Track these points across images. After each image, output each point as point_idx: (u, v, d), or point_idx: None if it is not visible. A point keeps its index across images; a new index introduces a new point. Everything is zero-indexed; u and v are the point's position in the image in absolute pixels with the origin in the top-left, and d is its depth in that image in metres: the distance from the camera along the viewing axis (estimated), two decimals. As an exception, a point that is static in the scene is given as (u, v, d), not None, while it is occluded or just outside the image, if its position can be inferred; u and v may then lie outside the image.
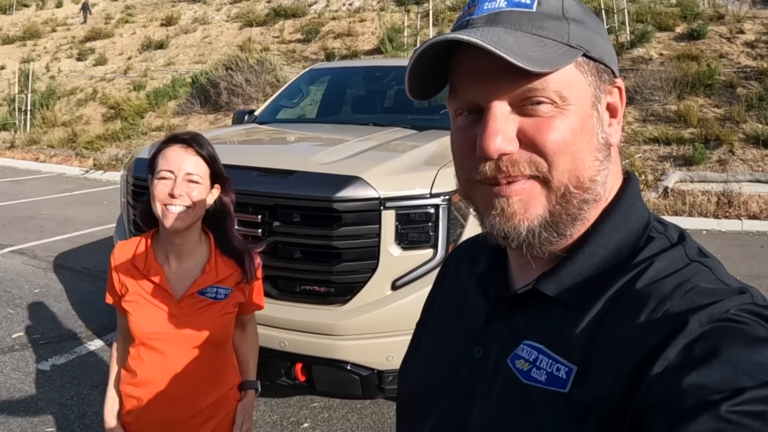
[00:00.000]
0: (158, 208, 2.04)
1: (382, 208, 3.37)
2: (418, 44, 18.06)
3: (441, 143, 4.22)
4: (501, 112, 0.84)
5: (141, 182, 4.18)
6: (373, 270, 3.44)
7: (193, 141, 2.09)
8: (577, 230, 0.89)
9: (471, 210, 0.96)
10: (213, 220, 2.27)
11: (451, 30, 0.91)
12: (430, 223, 3.45)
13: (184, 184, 2.04)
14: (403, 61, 8.10)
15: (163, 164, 2.05)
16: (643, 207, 0.92)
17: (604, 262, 0.87)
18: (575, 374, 0.80)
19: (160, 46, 27.14)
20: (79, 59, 28.77)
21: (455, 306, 1.09)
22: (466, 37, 0.79)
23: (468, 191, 0.93)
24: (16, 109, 22.21)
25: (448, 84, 0.93)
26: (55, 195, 12.93)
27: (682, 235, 0.89)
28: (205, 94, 19.09)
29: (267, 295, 3.56)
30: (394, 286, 3.45)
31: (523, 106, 0.84)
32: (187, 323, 2.14)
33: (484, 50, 0.79)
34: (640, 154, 11.87)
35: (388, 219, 3.39)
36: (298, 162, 3.71)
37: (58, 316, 6.02)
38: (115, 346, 2.41)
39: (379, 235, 3.40)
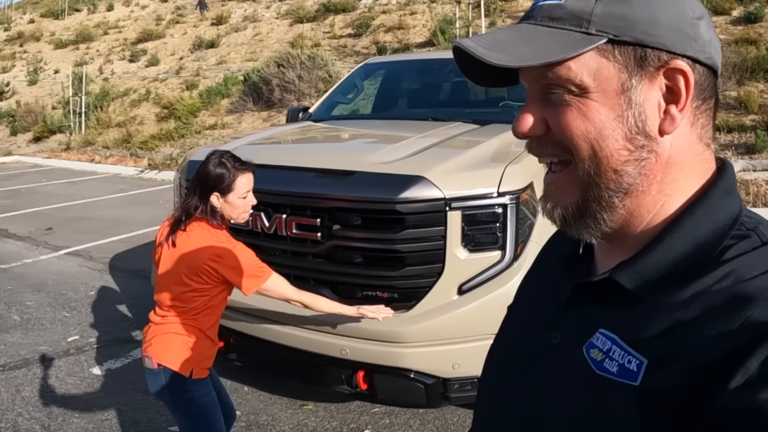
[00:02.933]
0: (238, 216, 2.92)
1: (447, 208, 3.22)
2: (470, 36, 17.90)
3: (505, 138, 4.04)
4: (530, 98, 0.90)
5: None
6: (439, 274, 3.29)
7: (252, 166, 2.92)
8: (624, 218, 0.88)
9: None
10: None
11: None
12: (497, 224, 3.29)
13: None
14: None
15: (247, 187, 2.89)
16: (734, 201, 0.87)
17: (685, 257, 0.83)
18: (646, 368, 0.78)
19: (212, 45, 27.46)
20: (131, 61, 29.32)
21: (541, 289, 1.10)
22: (459, 43, 0.88)
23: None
24: (71, 111, 22.64)
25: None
26: (110, 195, 13.10)
27: None
28: (258, 92, 19.19)
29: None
30: (461, 291, 3.30)
31: (546, 94, 0.87)
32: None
33: None
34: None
35: (454, 220, 3.24)
36: (358, 162, 3.56)
37: (113, 319, 6.02)
38: None
39: (444, 237, 3.25)
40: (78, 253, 8.48)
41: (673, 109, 0.84)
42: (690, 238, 0.83)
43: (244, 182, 2.85)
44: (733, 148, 11.18)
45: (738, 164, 10.61)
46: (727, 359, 0.70)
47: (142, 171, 16.34)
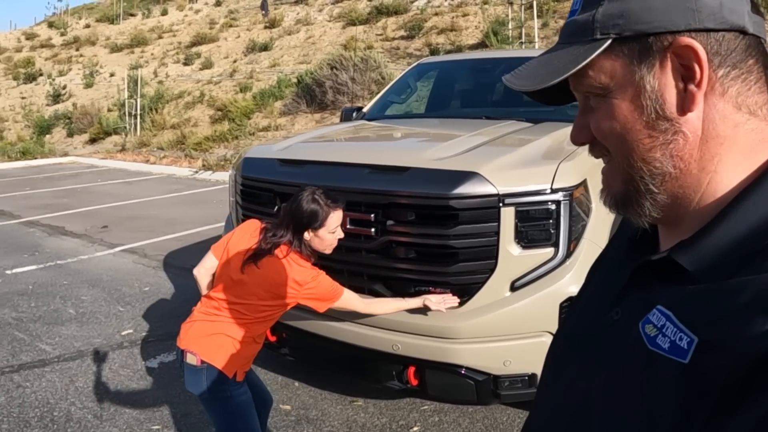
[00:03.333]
0: (326, 248, 3.09)
1: (501, 204, 3.21)
2: (523, 37, 17.75)
3: (558, 136, 4.01)
4: (580, 110, 0.97)
5: (249, 182, 4.16)
6: (492, 270, 3.29)
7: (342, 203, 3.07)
8: (663, 200, 0.90)
9: None
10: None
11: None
12: (551, 221, 3.27)
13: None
14: (512, 52, 7.87)
15: (337, 222, 3.04)
16: None
17: (743, 240, 0.81)
18: (695, 346, 0.77)
19: (265, 48, 27.76)
20: (185, 64, 29.81)
21: (608, 270, 1.11)
22: (504, 80, 1.00)
23: None
24: (126, 113, 23.19)
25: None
26: (165, 195, 13.36)
27: None
28: (311, 94, 19.33)
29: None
30: (513, 287, 3.29)
31: (588, 103, 0.94)
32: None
33: None
34: None
35: (508, 216, 3.23)
36: (412, 158, 3.58)
37: (166, 314, 6.13)
38: None
39: (498, 233, 3.25)
40: (133, 250, 8.68)
41: (691, 86, 0.84)
42: (749, 219, 0.82)
43: (335, 218, 3.00)
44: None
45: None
46: None
47: (196, 172, 16.60)
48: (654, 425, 0.79)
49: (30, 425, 4.14)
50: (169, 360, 5.08)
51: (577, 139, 0.98)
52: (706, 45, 0.82)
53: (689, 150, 0.85)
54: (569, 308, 1.26)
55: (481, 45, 19.62)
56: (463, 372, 3.33)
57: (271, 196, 3.96)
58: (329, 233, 3.01)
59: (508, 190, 3.22)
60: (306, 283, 3.00)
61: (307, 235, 2.99)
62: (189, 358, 2.91)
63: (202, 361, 2.87)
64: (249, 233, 3.10)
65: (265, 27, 30.52)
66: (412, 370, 3.47)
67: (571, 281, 3.25)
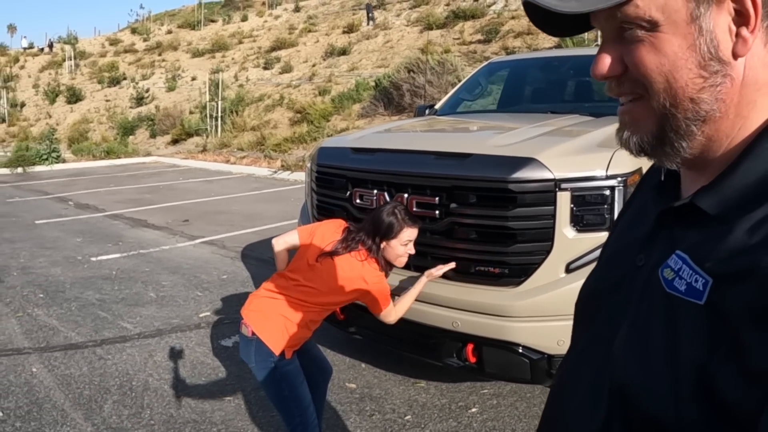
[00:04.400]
0: (397, 259, 3.35)
1: (557, 189, 3.36)
2: (599, 39, 17.60)
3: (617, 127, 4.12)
4: (605, 40, 0.92)
5: (323, 168, 4.39)
6: (548, 252, 3.44)
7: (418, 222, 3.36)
8: (697, 143, 0.89)
9: None
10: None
11: None
12: (605, 206, 3.40)
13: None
14: (578, 50, 7.88)
15: (410, 237, 3.31)
16: None
17: (761, 180, 0.84)
18: (711, 287, 0.80)
19: (343, 52, 28.09)
20: (265, 68, 30.38)
21: (633, 216, 1.13)
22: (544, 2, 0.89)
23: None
24: (207, 115, 23.89)
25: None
26: (244, 193, 13.77)
27: None
28: (388, 97, 19.56)
29: (442, 275, 3.65)
30: (569, 269, 3.43)
31: (620, 34, 0.89)
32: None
33: None
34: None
35: (563, 200, 3.38)
36: (474, 145, 3.78)
37: (243, 299, 6.27)
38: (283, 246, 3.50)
39: (554, 216, 3.40)
40: (212, 242, 9.06)
41: (744, 30, 0.83)
42: (766, 160, 0.84)
43: (408, 234, 3.29)
44: None
45: None
46: None
47: (275, 172, 16.96)
48: (677, 365, 0.81)
49: (110, 392, 4.46)
50: (242, 340, 5.34)
51: (604, 71, 0.91)
52: None
53: (732, 94, 0.86)
54: (599, 256, 1.26)
55: (558, 47, 19.52)
56: (519, 350, 3.47)
57: (344, 182, 4.19)
58: (401, 245, 3.29)
59: (565, 175, 3.37)
60: (373, 282, 3.27)
61: (382, 243, 3.28)
62: (243, 328, 3.19)
63: (253, 333, 3.11)
64: (334, 229, 3.38)
65: (344, 32, 30.89)
66: (470, 347, 3.63)
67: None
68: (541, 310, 3.44)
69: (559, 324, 3.41)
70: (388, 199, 3.83)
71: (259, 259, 7.97)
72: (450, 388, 4.47)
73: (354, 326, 4.28)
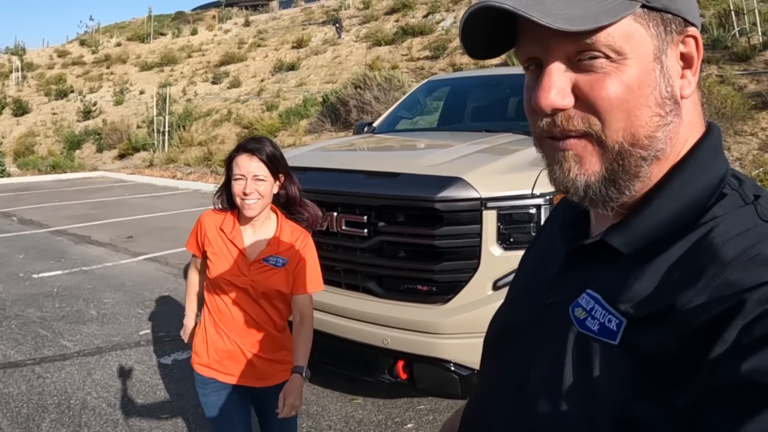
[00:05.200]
0: (237, 201, 2.70)
1: (483, 208, 3.41)
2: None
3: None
4: (556, 68, 0.84)
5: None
6: (475, 270, 3.47)
7: (255, 150, 2.70)
8: (643, 185, 0.87)
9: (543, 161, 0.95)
10: (283, 203, 2.93)
11: None
12: (532, 224, 3.46)
13: (253, 183, 2.67)
14: (517, 69, 8.01)
15: (236, 170, 2.69)
16: (721, 162, 0.88)
17: (672, 218, 0.84)
18: (625, 327, 0.80)
19: (292, 67, 28.05)
20: (214, 83, 30.19)
21: (542, 254, 1.11)
22: (497, 4, 0.80)
23: (538, 145, 0.94)
24: (155, 130, 23.60)
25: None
26: (191, 209, 13.57)
27: (759, 193, 0.84)
28: (336, 113, 19.54)
29: (371, 293, 3.68)
30: (496, 287, 3.47)
31: (578, 61, 0.83)
32: (253, 280, 2.76)
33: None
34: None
35: (490, 219, 3.43)
36: (404, 165, 3.82)
37: (183, 317, 6.33)
38: (191, 271, 3.28)
39: (480, 235, 3.44)
40: (156, 258, 8.95)
41: (688, 73, 0.86)
42: (678, 197, 0.85)
43: (242, 164, 2.69)
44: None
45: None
46: (705, 328, 0.72)
47: (221, 187, 16.81)
48: (592, 406, 0.81)
49: (48, 411, 4.38)
50: (182, 358, 5.28)
51: (557, 103, 0.84)
52: (700, 38, 0.87)
53: (677, 134, 0.86)
54: (508, 292, 1.26)
55: (504, 64, 19.76)
56: (448, 367, 3.49)
57: (277, 200, 4.19)
58: (233, 180, 2.69)
59: (491, 194, 3.43)
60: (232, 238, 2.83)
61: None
62: None
63: None
64: (221, 220, 2.89)
65: (293, 47, 30.89)
66: (401, 364, 3.64)
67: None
68: (469, 327, 3.46)
69: (488, 340, 3.43)
70: (319, 217, 3.85)
71: (201, 276, 7.84)
72: (387, 404, 4.47)
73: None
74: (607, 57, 0.81)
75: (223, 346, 2.82)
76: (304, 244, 2.85)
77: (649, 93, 0.83)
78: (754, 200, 0.82)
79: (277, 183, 2.82)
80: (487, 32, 0.90)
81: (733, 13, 16.05)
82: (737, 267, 0.74)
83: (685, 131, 0.88)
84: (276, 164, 2.77)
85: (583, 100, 0.83)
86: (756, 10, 16.01)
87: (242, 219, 2.82)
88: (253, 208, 2.70)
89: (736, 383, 0.66)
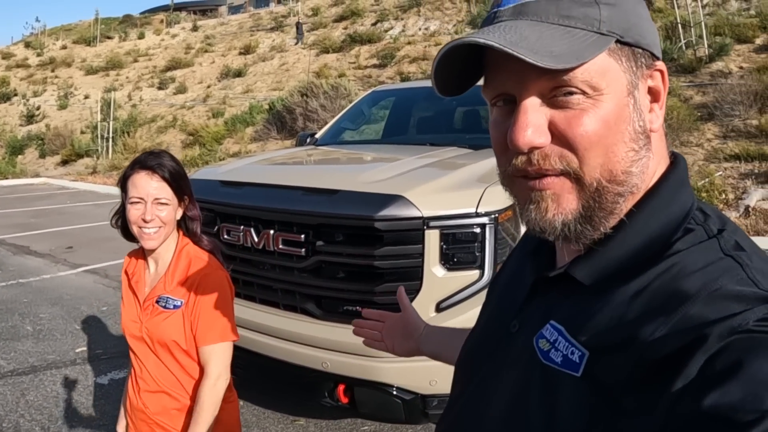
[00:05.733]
0: (134, 230, 2.22)
1: (425, 227, 3.29)
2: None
3: (493, 161, 4.09)
4: (531, 104, 0.83)
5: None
6: (417, 291, 3.35)
7: (156, 167, 2.20)
8: (616, 217, 0.86)
9: (513, 201, 0.94)
10: (184, 230, 2.40)
11: (481, 23, 0.91)
12: (476, 243, 3.35)
13: (154, 208, 2.19)
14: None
15: (133, 191, 2.20)
16: (686, 194, 0.89)
17: (636, 251, 0.84)
18: (587, 360, 0.80)
19: (239, 74, 27.91)
20: (160, 88, 29.86)
21: (509, 283, 1.11)
22: (482, 40, 0.78)
23: (508, 184, 0.93)
24: (99, 136, 23.16)
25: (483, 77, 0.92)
26: (133, 218, 13.27)
27: (723, 226, 0.85)
28: (281, 120, 19.46)
29: (310, 314, 3.54)
30: (439, 308, 3.36)
31: (554, 97, 0.82)
32: (147, 326, 2.27)
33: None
34: (720, 173, 11.40)
35: (432, 239, 3.31)
36: (343, 181, 3.67)
37: (122, 333, 6.15)
38: None
39: (422, 255, 3.32)
40: (95, 270, 8.73)
41: (656, 107, 0.88)
42: (642, 231, 0.85)
43: (139, 185, 2.22)
44: (753, 177, 11.13)
45: (758, 193, 10.56)
46: (667, 362, 0.72)
47: (165, 196, 16.55)
48: None
49: (-24, 436, 4.16)
50: (120, 377, 5.10)
51: (535, 141, 0.83)
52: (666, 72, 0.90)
53: (648, 168, 0.87)
54: (479, 316, 1.24)
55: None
56: (391, 391, 3.37)
57: (213, 216, 4.01)
58: (129, 204, 2.22)
59: (433, 213, 3.30)
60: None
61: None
62: None
63: None
64: (133, 257, 2.49)
65: (240, 53, 30.68)
66: (342, 387, 3.51)
67: (497, 303, 3.33)
68: (412, 351, 3.33)
69: (430, 364, 3.27)
70: (254, 236, 3.69)
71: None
72: (330, 425, 4.34)
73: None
74: (584, 93, 0.81)
75: (135, 403, 2.36)
76: (204, 279, 2.27)
77: (625, 128, 0.83)
78: (717, 234, 0.83)
79: (182, 206, 2.32)
80: (458, 70, 0.90)
81: (680, 25, 16.38)
82: (699, 301, 0.74)
83: (653, 164, 0.88)
84: (180, 184, 2.27)
85: (560, 138, 0.83)
86: (702, 23, 16.39)
87: (145, 252, 2.35)
88: (154, 238, 2.21)
89: (697, 416, 0.66)
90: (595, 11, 0.82)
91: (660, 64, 0.88)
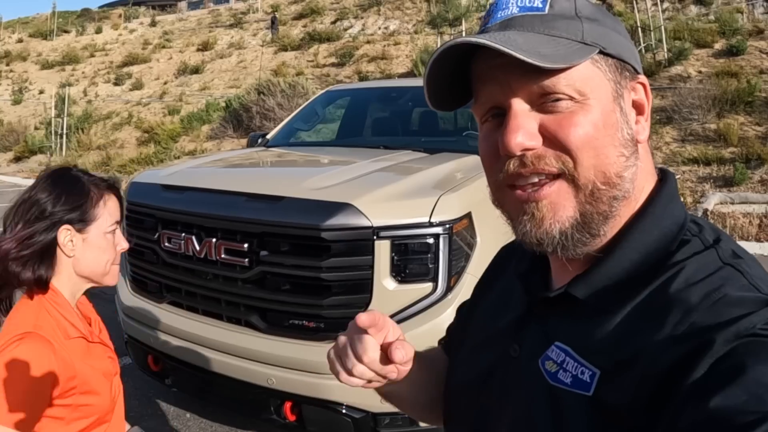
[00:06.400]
0: (104, 268, 1.84)
1: (375, 237, 3.13)
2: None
3: (449, 167, 3.98)
4: (521, 109, 0.85)
5: (134, 207, 4.02)
6: (366, 305, 3.18)
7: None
8: (611, 229, 0.88)
9: (504, 218, 0.95)
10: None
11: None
12: (429, 255, 3.20)
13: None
14: (420, 80, 7.84)
15: (109, 218, 1.85)
16: (678, 208, 0.91)
17: (635, 266, 0.85)
18: (599, 378, 0.80)
19: (196, 71, 27.67)
20: (116, 84, 29.47)
21: (498, 304, 1.10)
22: (475, 39, 0.82)
23: (499, 199, 0.94)
24: (53, 132, 22.69)
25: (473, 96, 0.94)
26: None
27: (718, 236, 0.87)
28: (238, 119, 19.28)
29: (254, 328, 3.37)
30: (389, 323, 3.19)
31: (543, 104, 0.85)
32: None
33: (498, 52, 0.80)
34: (678, 176, 11.48)
35: (383, 250, 3.15)
36: (289, 187, 3.49)
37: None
38: None
39: (372, 266, 3.16)
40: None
41: (641, 119, 0.90)
42: (640, 246, 0.86)
43: (112, 207, 1.88)
44: (711, 180, 11.24)
45: (716, 197, 10.67)
46: (673, 370, 0.73)
47: (118, 194, 16.27)
48: None
49: None
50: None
51: (526, 143, 0.85)
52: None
53: (638, 177, 0.88)
54: (456, 341, 1.23)
55: (411, 74, 19.83)
56: (340, 409, 3.22)
57: (154, 222, 3.82)
58: (106, 233, 1.83)
59: (384, 222, 3.14)
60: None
61: (68, 245, 1.77)
62: None
63: None
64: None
65: (198, 50, 30.37)
66: (288, 405, 3.35)
67: (451, 317, 3.18)
68: (361, 367, 3.17)
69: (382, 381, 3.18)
70: (196, 244, 3.49)
71: (98, 297, 7.37)
72: (279, 440, 4.18)
73: (170, 378, 3.91)
74: (571, 98, 0.83)
75: None
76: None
77: (614, 133, 0.85)
78: (713, 244, 0.85)
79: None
80: (448, 84, 0.93)
81: (639, 29, 16.54)
82: (703, 310, 0.76)
83: (641, 179, 0.89)
84: None
85: (552, 140, 0.84)
86: (662, 27, 16.57)
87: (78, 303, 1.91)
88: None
89: (702, 419, 0.67)
90: (577, 24, 0.86)
91: (642, 78, 0.91)
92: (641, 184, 0.89)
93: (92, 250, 1.80)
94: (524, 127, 0.84)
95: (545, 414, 0.85)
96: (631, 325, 0.81)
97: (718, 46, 16.56)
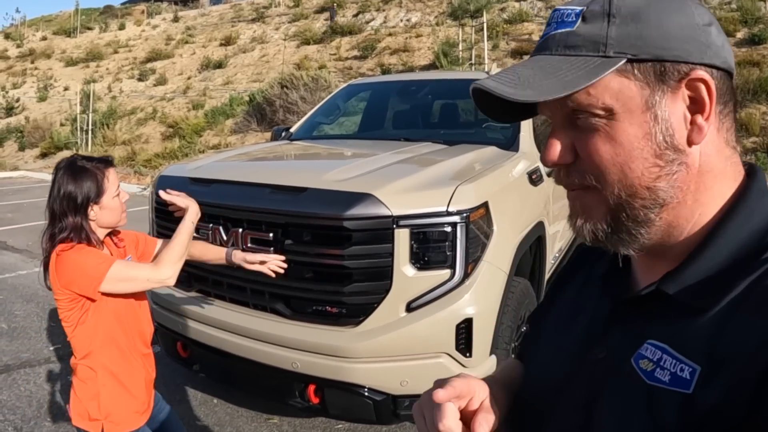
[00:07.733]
0: (119, 217, 2.67)
1: (395, 226, 3.24)
2: (473, 59, 17.90)
3: (467, 158, 4.08)
4: (556, 126, 0.91)
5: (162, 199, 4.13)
6: (387, 291, 3.30)
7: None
8: (654, 228, 0.88)
9: None
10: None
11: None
12: (447, 243, 3.30)
13: None
14: (441, 74, 7.89)
15: (114, 187, 2.60)
16: None
17: (728, 261, 0.84)
18: (699, 375, 0.78)
19: (219, 65, 27.68)
20: (140, 80, 29.55)
21: (576, 307, 1.10)
22: (481, 85, 0.89)
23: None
24: (78, 128, 22.91)
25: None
26: (113, 211, 13.16)
27: None
28: (261, 113, 19.32)
29: (279, 314, 3.49)
30: (409, 308, 3.31)
31: (574, 121, 0.88)
32: None
33: None
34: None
35: (402, 238, 3.26)
36: (311, 179, 3.61)
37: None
38: None
39: (392, 254, 3.27)
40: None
41: (699, 118, 0.85)
42: (732, 242, 0.85)
43: (113, 178, 2.59)
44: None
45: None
46: None
47: (144, 189, 16.41)
48: None
49: (-53, 438, 4.09)
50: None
51: (555, 158, 0.90)
52: (713, 80, 0.85)
53: (688, 182, 0.86)
54: (531, 344, 1.22)
55: (432, 66, 19.80)
56: (362, 392, 3.33)
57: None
58: (113, 197, 2.56)
59: (403, 211, 3.25)
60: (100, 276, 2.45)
61: (92, 214, 2.52)
62: None
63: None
64: None
65: (221, 44, 30.44)
66: (312, 388, 3.47)
67: (467, 303, 3.29)
68: (382, 351, 3.30)
69: (401, 364, 3.31)
70: (223, 234, 3.62)
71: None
72: (303, 424, 4.32)
73: (198, 364, 4.05)
74: (596, 115, 0.85)
75: (148, 376, 2.78)
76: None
77: (643, 145, 0.84)
78: None
79: None
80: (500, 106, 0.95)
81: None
82: None
83: (707, 179, 0.87)
84: None
85: (581, 158, 0.88)
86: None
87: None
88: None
89: None
90: (601, 36, 0.85)
91: (700, 74, 0.84)
92: (709, 183, 0.88)
93: (107, 211, 2.57)
94: (554, 144, 0.90)
95: (642, 414, 0.84)
96: (727, 321, 0.79)
97: (740, 35, 16.37)
